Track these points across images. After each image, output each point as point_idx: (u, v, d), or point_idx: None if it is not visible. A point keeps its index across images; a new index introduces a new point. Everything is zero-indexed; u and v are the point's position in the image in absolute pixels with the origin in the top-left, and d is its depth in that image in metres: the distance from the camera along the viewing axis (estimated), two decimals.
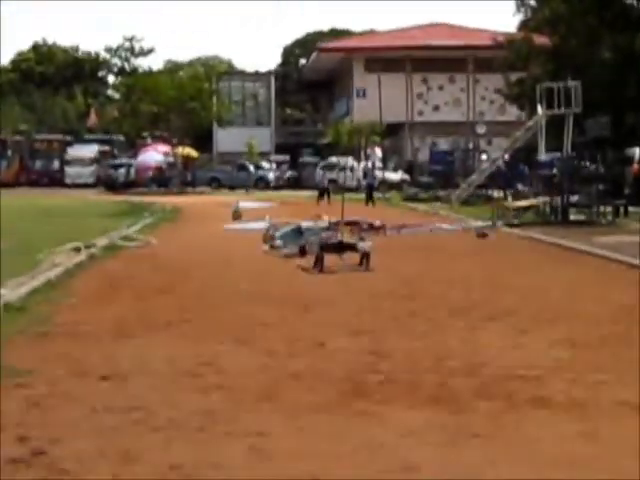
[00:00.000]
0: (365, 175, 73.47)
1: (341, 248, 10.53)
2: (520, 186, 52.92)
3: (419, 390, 11.26)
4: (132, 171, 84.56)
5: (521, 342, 14.34)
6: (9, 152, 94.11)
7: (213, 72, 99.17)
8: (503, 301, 18.44)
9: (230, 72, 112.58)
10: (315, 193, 64.70)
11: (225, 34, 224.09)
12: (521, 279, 21.90)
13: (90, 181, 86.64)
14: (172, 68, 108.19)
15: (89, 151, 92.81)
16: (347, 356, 13.20)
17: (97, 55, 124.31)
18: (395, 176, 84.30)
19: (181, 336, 14.58)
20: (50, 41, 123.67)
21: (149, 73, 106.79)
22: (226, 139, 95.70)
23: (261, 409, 10.41)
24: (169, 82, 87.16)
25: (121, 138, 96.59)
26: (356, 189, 75.04)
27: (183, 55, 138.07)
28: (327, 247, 10.45)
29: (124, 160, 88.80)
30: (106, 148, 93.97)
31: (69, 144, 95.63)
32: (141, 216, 43.54)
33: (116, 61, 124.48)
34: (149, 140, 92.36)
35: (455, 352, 13.52)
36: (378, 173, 74.62)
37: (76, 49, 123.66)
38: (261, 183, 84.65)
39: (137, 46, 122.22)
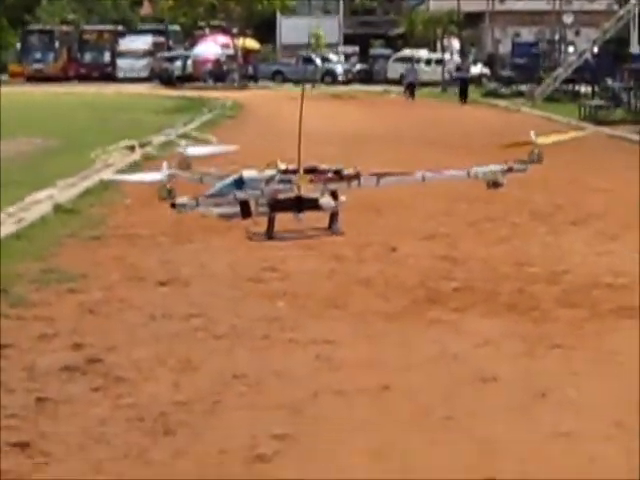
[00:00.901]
0: (458, 69, 72.30)
1: (299, 205, 9.40)
2: (609, 81, 51.79)
3: (496, 298, 11.33)
4: (189, 64, 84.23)
5: (608, 248, 14.29)
6: (56, 44, 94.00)
7: None
8: (589, 205, 18.35)
9: None
10: (386, 87, 64.36)
11: None
12: (609, 181, 21.77)
13: (143, 75, 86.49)
14: None
15: (142, 42, 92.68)
16: (420, 262, 13.29)
17: None
18: (474, 70, 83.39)
19: (243, 240, 14.65)
20: None
21: None
22: (290, 29, 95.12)
23: (328, 316, 10.56)
24: None
25: (177, 28, 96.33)
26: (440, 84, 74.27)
27: None
28: (279, 205, 9.40)
29: (180, 52, 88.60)
30: (160, 39, 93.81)
31: (121, 35, 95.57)
32: (199, 112, 43.56)
33: None
34: (207, 31, 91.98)
35: (536, 258, 13.55)
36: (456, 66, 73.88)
37: None
38: (328, 77, 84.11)
39: None
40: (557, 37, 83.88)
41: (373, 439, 7.19)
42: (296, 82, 78.21)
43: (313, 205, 10.11)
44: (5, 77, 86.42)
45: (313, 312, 10.66)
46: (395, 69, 76.59)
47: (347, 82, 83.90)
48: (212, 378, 8.57)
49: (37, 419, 7.59)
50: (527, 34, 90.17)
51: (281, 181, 9.86)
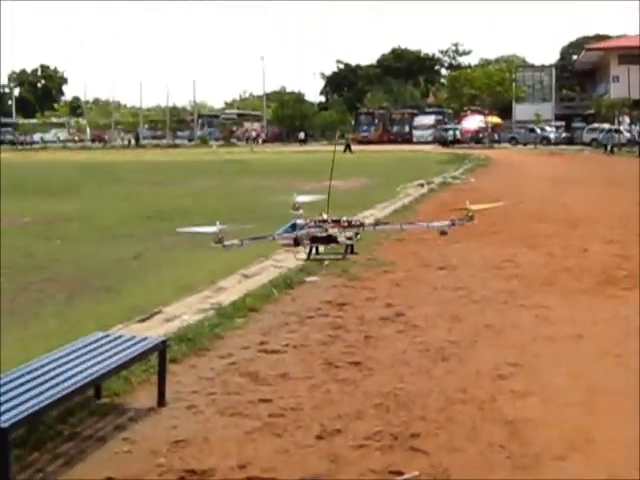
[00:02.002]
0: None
1: (328, 240, 9.70)
2: None
3: None
4: (457, 133, 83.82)
5: None
6: (376, 121, 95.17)
7: (512, 66, 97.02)
8: None
9: (524, 65, 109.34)
10: (582, 147, 62.56)
11: (518, 37, 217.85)
12: None
13: (429, 139, 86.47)
14: (484, 64, 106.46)
15: (429, 119, 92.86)
16: (602, 258, 12.94)
17: (433, 55, 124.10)
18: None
19: (490, 242, 14.57)
20: (402, 46, 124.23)
21: (468, 67, 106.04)
22: (521, 111, 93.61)
23: (544, 290, 10.36)
24: (482, 73, 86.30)
25: (449, 111, 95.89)
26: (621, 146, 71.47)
27: (491, 54, 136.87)
28: (316, 239, 9.69)
29: (452, 125, 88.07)
30: (440, 117, 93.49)
31: (415, 115, 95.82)
32: (463, 163, 43.33)
33: (446, 59, 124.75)
34: (468, 112, 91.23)
35: None
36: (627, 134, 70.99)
37: (419, 52, 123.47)
38: (544, 141, 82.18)
39: (460, 49, 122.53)
40: None
41: (571, 367, 7.11)
42: (524, 144, 76.87)
43: (334, 240, 10.24)
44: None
45: (534, 288, 10.51)
46: (588, 136, 74.04)
47: (556, 144, 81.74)
48: (471, 327, 8.57)
49: (365, 348, 7.76)
50: None
51: (316, 226, 9.88)
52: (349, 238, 10.14)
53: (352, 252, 10.40)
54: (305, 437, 5.58)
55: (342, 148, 64.04)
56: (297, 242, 10.26)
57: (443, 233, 11.16)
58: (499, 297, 10.00)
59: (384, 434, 5.60)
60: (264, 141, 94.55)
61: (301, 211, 11.15)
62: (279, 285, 10.51)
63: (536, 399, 6.29)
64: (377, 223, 10.84)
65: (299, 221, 10.41)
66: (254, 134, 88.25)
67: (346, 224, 10.22)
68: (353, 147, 65.97)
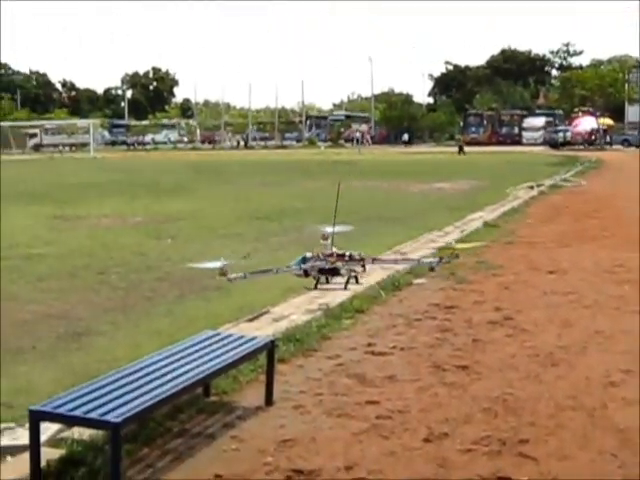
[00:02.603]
0: None
1: (332, 272, 10.10)
2: None
3: None
4: (568, 135, 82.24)
5: None
6: (484, 122, 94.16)
7: (625, 66, 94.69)
8: None
9: (637, 66, 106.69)
10: None
11: (631, 37, 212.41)
12: None
13: (539, 141, 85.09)
14: (596, 64, 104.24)
15: (539, 121, 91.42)
16: None
17: (544, 56, 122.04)
18: None
19: (602, 246, 14.25)
20: (512, 47, 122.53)
21: (579, 68, 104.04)
22: (634, 112, 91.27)
23: None
24: (594, 74, 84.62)
25: (560, 112, 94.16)
26: None
27: (603, 54, 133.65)
28: (323, 271, 10.11)
29: (562, 127, 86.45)
30: (550, 119, 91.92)
31: (525, 116, 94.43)
32: (574, 165, 42.45)
33: (557, 59, 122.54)
34: (579, 114, 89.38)
35: None
36: None
37: (529, 53, 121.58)
38: None
39: (571, 49, 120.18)
40: None
41: None
42: (637, 146, 74.95)
43: (338, 272, 10.59)
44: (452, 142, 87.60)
45: None
46: None
47: None
48: (581, 332, 8.39)
49: (473, 352, 7.68)
50: None
51: (323, 259, 10.62)
52: (352, 270, 10.71)
53: (357, 282, 10.74)
54: (412, 440, 5.55)
55: (456, 150, 63.81)
56: (306, 273, 10.74)
57: (431, 269, 11.49)
58: (610, 302, 9.76)
59: (492, 439, 5.53)
60: (372, 142, 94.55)
61: (329, 241, 11.43)
62: (386, 287, 10.50)
63: None
64: (374, 259, 11.52)
65: (308, 254, 10.90)
66: (358, 135, 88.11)
67: (348, 258, 10.82)
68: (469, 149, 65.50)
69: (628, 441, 5.47)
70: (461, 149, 63.86)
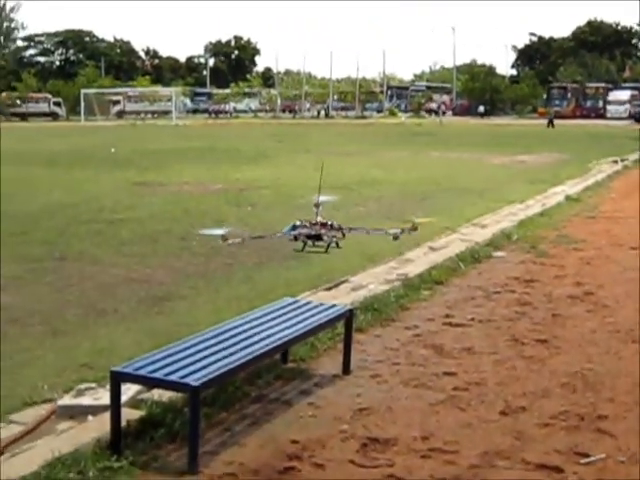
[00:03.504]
0: None
1: (316, 237, 11.43)
2: None
3: None
4: None
5: None
6: (569, 95, 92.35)
7: None
8: None
9: None
10: None
11: None
12: None
13: (624, 115, 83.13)
14: None
15: (624, 94, 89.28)
16: None
17: (631, 28, 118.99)
18: None
19: None
20: (599, 19, 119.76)
21: None
22: None
23: None
24: None
25: None
26: None
27: None
28: (309, 237, 10.78)
29: None
30: (636, 93, 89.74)
31: (610, 90, 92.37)
32: None
33: None
34: None
35: None
36: None
37: (617, 24, 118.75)
38: None
39: None
40: None
41: None
42: None
43: (321, 238, 11.72)
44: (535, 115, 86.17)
45: None
46: None
47: None
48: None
49: (552, 327, 7.59)
50: None
51: (308, 227, 12.04)
52: (332, 237, 11.88)
53: (337, 246, 11.74)
54: (489, 412, 5.51)
55: (545, 122, 62.76)
56: (296, 238, 11.83)
57: (395, 238, 12.09)
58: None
59: (570, 414, 5.47)
60: (454, 114, 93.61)
61: (321, 208, 12.78)
62: (466, 259, 10.42)
63: None
64: (351, 228, 12.55)
65: (297, 222, 12.30)
66: (439, 106, 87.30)
67: (330, 227, 12.16)
68: (545, 121, 64.35)
69: None
70: (551, 122, 62.75)
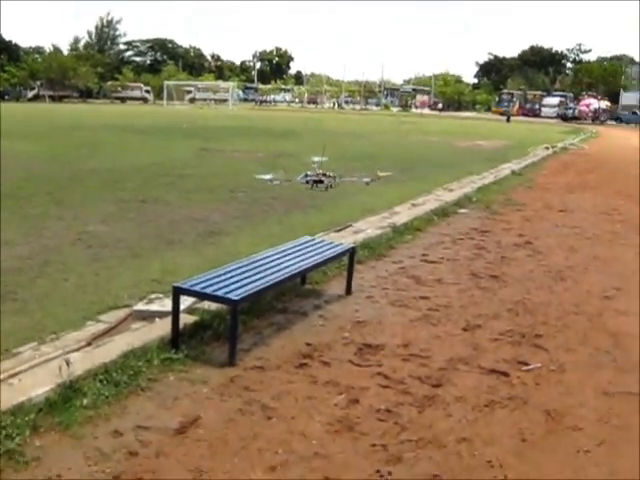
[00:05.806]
0: None
1: (320, 182, 12.36)
2: None
3: None
4: (576, 111, 78.64)
5: None
6: (514, 99, 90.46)
7: (623, 62, 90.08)
8: None
9: (632, 62, 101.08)
10: None
11: (628, 40, 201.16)
12: None
13: (554, 115, 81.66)
14: (601, 60, 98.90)
15: (554, 100, 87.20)
16: None
17: (562, 52, 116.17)
18: None
19: (599, 194, 13.52)
20: (539, 44, 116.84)
21: (588, 62, 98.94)
22: (627, 98, 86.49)
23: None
24: (598, 67, 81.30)
25: (571, 95, 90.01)
26: None
27: (607, 52, 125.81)
28: (315, 182, 12.13)
29: (572, 105, 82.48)
30: (563, 99, 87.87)
31: (544, 96, 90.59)
32: (579, 134, 40.67)
33: (571, 55, 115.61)
34: (585, 96, 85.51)
35: None
36: None
37: (551, 49, 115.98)
38: None
39: (583, 48, 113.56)
40: None
41: None
42: (626, 123, 71.55)
43: (322, 182, 12.48)
44: (489, 114, 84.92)
45: (635, 231, 9.61)
46: None
47: None
48: (583, 256, 7.96)
49: (501, 266, 7.31)
50: None
51: (315, 176, 12.85)
52: (329, 182, 12.59)
53: (331, 187, 12.35)
54: (454, 328, 5.27)
55: (504, 119, 61.61)
56: (307, 182, 12.55)
57: (367, 184, 12.95)
58: (606, 236, 9.26)
59: (514, 332, 5.22)
60: (432, 109, 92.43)
61: (317, 165, 13.75)
62: (438, 213, 10.13)
63: (637, 318, 5.70)
64: (341, 176, 13.39)
65: (309, 172, 13.18)
66: (419, 103, 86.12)
67: (328, 176, 12.91)
68: (499, 117, 63.20)
69: (620, 343, 5.11)
70: (508, 118, 61.65)
